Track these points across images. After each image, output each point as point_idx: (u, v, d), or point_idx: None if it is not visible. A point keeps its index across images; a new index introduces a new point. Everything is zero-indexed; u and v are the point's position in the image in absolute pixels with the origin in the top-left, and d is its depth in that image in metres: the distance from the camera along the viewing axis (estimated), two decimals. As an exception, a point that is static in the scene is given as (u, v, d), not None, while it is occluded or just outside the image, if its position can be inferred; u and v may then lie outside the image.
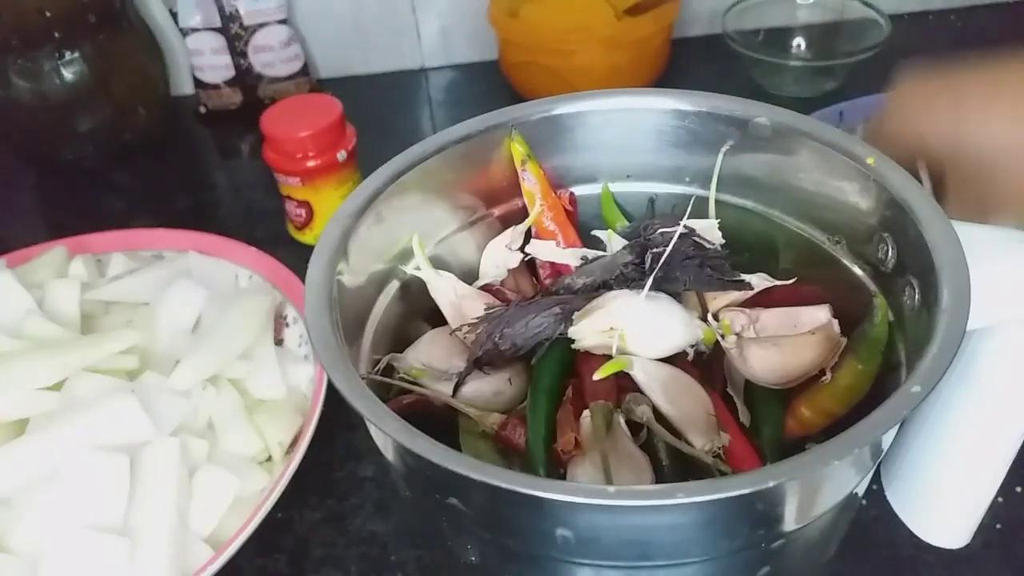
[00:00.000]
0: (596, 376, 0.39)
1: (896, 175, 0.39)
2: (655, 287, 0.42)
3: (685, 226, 0.43)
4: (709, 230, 0.45)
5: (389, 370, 0.43)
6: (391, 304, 0.45)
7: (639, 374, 0.40)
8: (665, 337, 0.41)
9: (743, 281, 0.44)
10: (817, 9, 0.90)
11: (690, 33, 0.97)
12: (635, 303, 0.40)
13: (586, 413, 0.39)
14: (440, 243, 0.47)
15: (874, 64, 0.82)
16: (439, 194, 0.46)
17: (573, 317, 0.41)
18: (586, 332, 0.40)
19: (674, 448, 0.38)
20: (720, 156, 0.46)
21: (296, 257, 0.63)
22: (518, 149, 0.46)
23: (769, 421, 0.40)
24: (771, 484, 0.29)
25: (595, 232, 0.48)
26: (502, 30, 0.86)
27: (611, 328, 0.40)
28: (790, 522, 0.34)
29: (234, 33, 0.90)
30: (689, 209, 0.46)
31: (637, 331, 0.40)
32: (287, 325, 0.63)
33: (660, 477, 0.39)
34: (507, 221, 0.49)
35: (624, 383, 0.41)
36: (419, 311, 0.46)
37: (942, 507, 0.49)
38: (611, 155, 0.48)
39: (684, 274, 0.43)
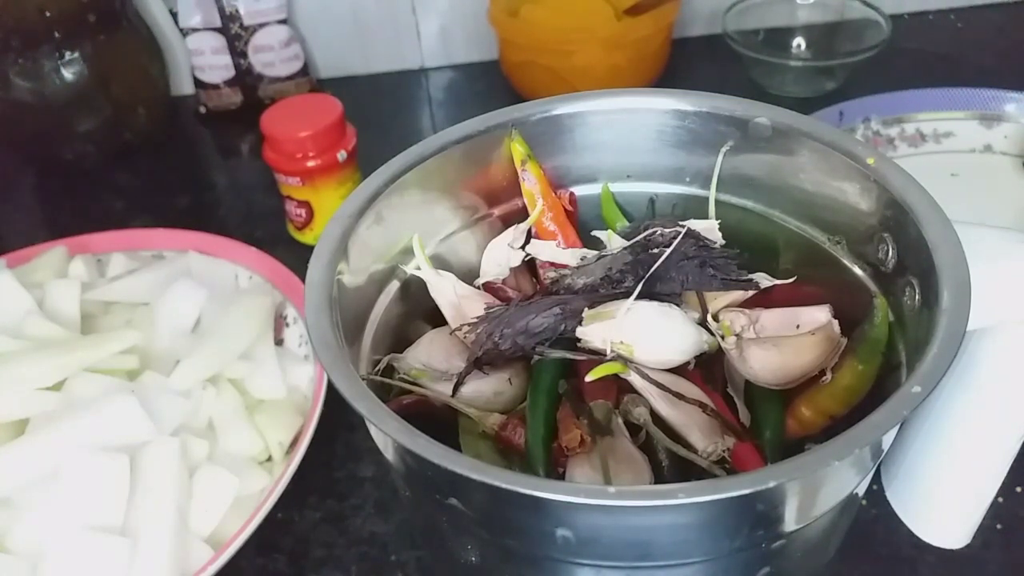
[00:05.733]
0: (588, 378, 0.39)
1: (896, 175, 0.39)
2: (651, 287, 0.42)
3: (685, 226, 0.43)
4: (709, 230, 0.45)
5: (389, 370, 0.43)
6: (391, 304, 0.45)
7: (635, 379, 0.40)
8: (673, 350, 0.40)
9: (747, 281, 0.44)
10: (817, 9, 0.90)
11: (690, 33, 0.97)
12: (647, 317, 0.40)
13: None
14: (440, 243, 0.47)
15: (874, 64, 0.82)
16: (439, 194, 0.46)
17: (583, 315, 0.41)
18: (595, 337, 0.40)
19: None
20: (720, 156, 0.46)
21: (296, 257, 0.63)
22: (518, 149, 0.46)
23: (769, 421, 0.40)
24: (771, 484, 0.29)
25: (595, 232, 0.48)
26: (502, 30, 0.86)
27: (621, 342, 0.40)
28: (790, 522, 0.34)
29: (234, 33, 0.90)
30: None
31: (647, 345, 0.40)
32: (287, 325, 0.63)
33: (659, 477, 0.39)
34: (507, 221, 0.48)
35: (623, 383, 0.41)
36: (419, 311, 0.46)
37: (942, 507, 0.49)
38: (611, 155, 0.48)
39: (680, 274, 0.43)
